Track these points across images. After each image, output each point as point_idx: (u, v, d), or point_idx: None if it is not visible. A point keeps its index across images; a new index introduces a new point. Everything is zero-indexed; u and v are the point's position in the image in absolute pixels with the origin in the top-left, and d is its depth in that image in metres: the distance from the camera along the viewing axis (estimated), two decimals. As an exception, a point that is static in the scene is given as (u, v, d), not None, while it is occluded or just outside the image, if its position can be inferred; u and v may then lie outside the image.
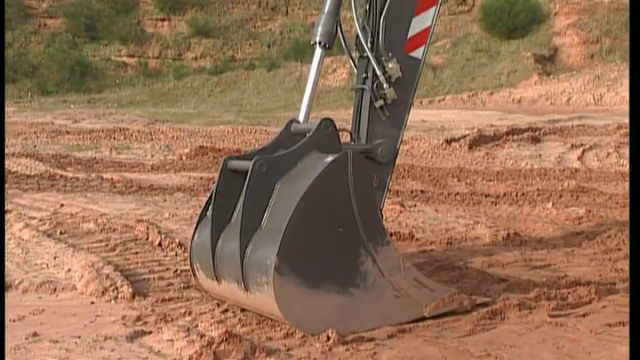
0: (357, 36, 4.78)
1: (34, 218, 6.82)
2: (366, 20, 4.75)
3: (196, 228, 4.46)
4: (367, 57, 4.69)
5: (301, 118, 4.56)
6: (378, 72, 4.63)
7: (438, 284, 4.22)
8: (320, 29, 4.71)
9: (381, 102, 4.67)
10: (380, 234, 3.99)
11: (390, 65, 4.63)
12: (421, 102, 24.46)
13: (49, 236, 6.09)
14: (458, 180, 10.01)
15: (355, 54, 4.90)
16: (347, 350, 3.62)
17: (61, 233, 6.24)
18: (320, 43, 4.70)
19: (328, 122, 4.21)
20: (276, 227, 3.82)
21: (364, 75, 4.76)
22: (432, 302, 4.02)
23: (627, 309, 4.30)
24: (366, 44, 4.66)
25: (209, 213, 4.26)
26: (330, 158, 3.95)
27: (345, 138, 4.68)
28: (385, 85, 4.62)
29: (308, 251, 3.83)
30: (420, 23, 4.77)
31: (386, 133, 4.74)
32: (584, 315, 4.18)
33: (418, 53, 4.79)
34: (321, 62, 4.72)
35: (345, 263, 3.89)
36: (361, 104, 4.77)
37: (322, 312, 3.84)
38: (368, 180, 4.07)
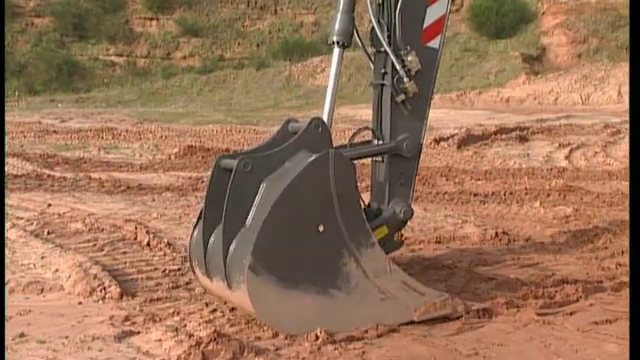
0: (372, 31, 4.69)
1: (21, 218, 6.78)
2: (380, 14, 4.66)
3: (195, 225, 4.45)
4: (385, 52, 4.61)
5: (325, 120, 4.41)
6: (397, 66, 4.54)
7: (429, 288, 4.10)
8: (337, 28, 4.59)
9: (402, 96, 4.58)
10: (364, 235, 3.91)
11: (409, 58, 4.55)
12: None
13: (36, 236, 6.05)
14: (447, 179, 10.04)
15: (370, 50, 4.80)
16: (336, 349, 3.63)
17: (48, 233, 6.20)
18: (338, 43, 4.58)
19: (318, 121, 4.15)
20: (254, 226, 3.83)
21: (382, 70, 4.68)
22: (422, 306, 3.95)
23: (613, 307, 4.35)
24: (384, 39, 4.56)
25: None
26: (312, 157, 3.91)
27: (360, 137, 4.64)
28: (405, 79, 4.54)
29: (285, 251, 3.78)
30: (435, 12, 4.68)
31: (409, 128, 4.67)
32: (571, 313, 4.20)
33: (435, 43, 4.70)
34: (340, 62, 4.60)
35: (326, 264, 3.83)
36: (381, 100, 4.69)
37: (301, 313, 3.79)
38: (351, 180, 3.96)
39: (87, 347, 3.64)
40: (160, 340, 3.65)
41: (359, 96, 28.90)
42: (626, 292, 4.67)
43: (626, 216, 7.22)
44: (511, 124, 16.73)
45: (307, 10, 41.46)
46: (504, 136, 14.58)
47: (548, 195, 8.48)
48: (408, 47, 4.57)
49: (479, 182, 9.78)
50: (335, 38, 4.59)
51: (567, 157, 12.45)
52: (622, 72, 24.22)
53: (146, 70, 38.29)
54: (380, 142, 4.70)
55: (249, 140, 15.46)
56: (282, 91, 31.00)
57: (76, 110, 23.62)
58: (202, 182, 9.54)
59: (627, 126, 15.90)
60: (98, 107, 26.57)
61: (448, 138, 14.17)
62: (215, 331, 3.61)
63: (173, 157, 12.28)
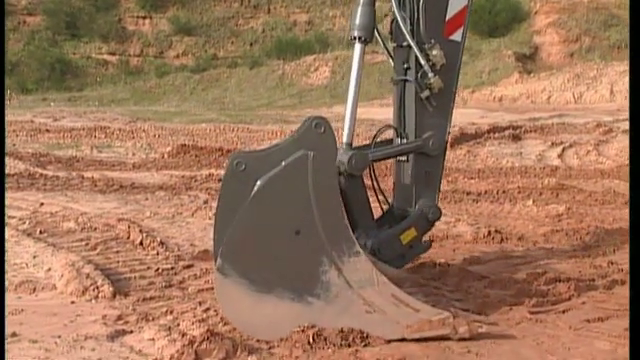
0: (392, 25, 4.57)
1: (13, 217, 6.74)
2: (402, 7, 4.51)
3: None
4: (407, 46, 4.46)
5: (347, 121, 4.33)
6: (422, 61, 4.39)
7: (427, 305, 3.81)
8: (357, 22, 4.39)
9: (427, 92, 4.44)
10: (347, 243, 3.70)
11: (434, 52, 4.40)
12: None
13: (28, 235, 6.03)
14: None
15: (390, 45, 4.67)
16: (329, 348, 3.63)
17: (41, 232, 6.18)
18: (360, 38, 4.39)
19: (320, 121, 3.90)
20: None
21: (405, 66, 4.52)
22: (415, 323, 3.68)
23: (605, 305, 4.37)
24: (407, 32, 4.40)
25: None
26: (289, 159, 3.73)
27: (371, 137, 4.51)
28: (430, 74, 4.40)
29: (256, 254, 3.66)
30: (457, 3, 4.54)
31: (434, 125, 4.53)
32: (564, 311, 4.22)
33: (457, 36, 4.57)
34: (362, 59, 4.40)
35: (303, 270, 3.65)
36: (404, 97, 4.54)
37: (275, 318, 3.67)
38: (332, 185, 3.76)
39: (80, 346, 3.63)
40: (153, 339, 3.65)
41: (352, 95, 28.87)
42: (618, 290, 4.69)
43: (618, 214, 7.26)
44: (504, 123, 16.76)
45: (300, 9, 41.41)
46: (497, 135, 14.61)
47: (541, 194, 8.51)
48: (432, 41, 4.43)
49: (472, 181, 9.79)
50: (356, 33, 4.40)
51: (560, 156, 12.48)
52: (614, 71, 24.30)
53: (139, 69, 38.18)
54: (404, 140, 4.56)
55: (242, 139, 15.44)
56: (275, 90, 30.96)
57: (68, 109, 23.52)
58: (195, 181, 9.52)
59: (619, 125, 15.99)
60: (91, 106, 26.46)
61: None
62: (208, 330, 3.60)
63: (166, 156, 12.25)
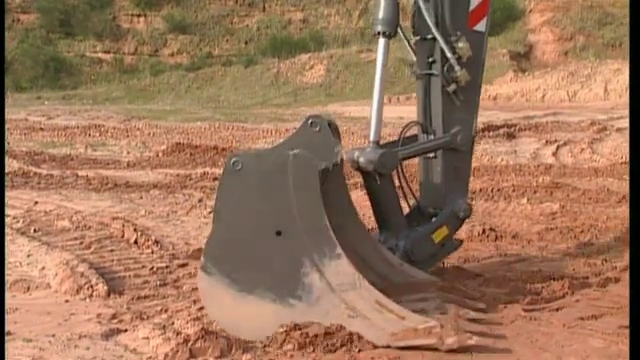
0: (414, 18, 4.42)
1: (8, 216, 6.71)
2: None
3: None
4: (431, 39, 4.32)
5: (373, 119, 4.22)
6: (448, 54, 4.25)
7: (412, 313, 3.59)
8: (381, 17, 4.24)
9: (453, 86, 4.32)
10: (328, 245, 3.59)
11: (460, 44, 4.27)
12: (398, 99, 24.54)
13: (22, 234, 6.01)
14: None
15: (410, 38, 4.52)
16: (325, 347, 3.62)
17: (35, 231, 6.16)
18: (384, 33, 4.24)
19: (316, 120, 3.83)
20: None
21: (430, 59, 4.38)
22: (400, 331, 3.49)
23: (599, 303, 4.38)
24: (433, 24, 4.26)
25: None
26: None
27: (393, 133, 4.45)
28: (457, 67, 4.27)
29: (240, 253, 3.64)
30: None
31: (462, 119, 4.41)
32: (558, 309, 4.23)
33: (481, 26, 4.44)
34: (386, 55, 4.25)
35: (284, 271, 3.59)
36: (429, 91, 4.41)
37: (257, 318, 3.62)
38: (313, 186, 3.63)
39: (74, 345, 3.62)
40: (147, 338, 3.64)
41: (348, 93, 28.91)
42: (612, 288, 4.71)
43: (612, 212, 7.28)
44: (498, 121, 16.79)
45: (295, 7, 41.38)
46: (491, 133, 14.64)
47: (535, 192, 8.52)
48: (458, 33, 4.30)
49: (467, 179, 9.78)
50: (379, 28, 4.24)
51: (554, 154, 12.51)
52: (608, 69, 24.37)
53: (133, 67, 38.09)
54: (430, 136, 4.46)
55: (237, 137, 15.42)
56: (270, 88, 30.93)
57: (63, 107, 23.47)
58: (190, 179, 9.51)
59: (613, 123, 16.04)
60: (85, 104, 26.41)
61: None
62: (203, 328, 3.60)
63: (161, 154, 12.23)
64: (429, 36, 4.37)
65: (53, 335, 3.75)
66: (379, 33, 4.26)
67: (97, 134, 15.46)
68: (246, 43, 40.45)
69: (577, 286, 4.66)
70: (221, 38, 40.84)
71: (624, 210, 7.48)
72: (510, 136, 14.56)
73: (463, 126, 4.43)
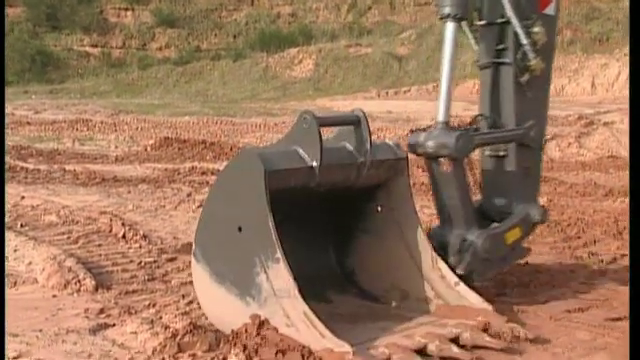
0: (479, 0, 4.03)
1: (-6, 211, 6.69)
2: None
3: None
4: (502, 23, 3.95)
5: (442, 98, 3.86)
6: (524, 40, 3.89)
7: (331, 334, 3.27)
8: None
9: (527, 76, 3.96)
10: (270, 248, 3.43)
11: (536, 29, 3.91)
12: (387, 93, 24.57)
13: (9, 229, 5.97)
14: (423, 170, 10.05)
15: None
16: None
17: (22, 226, 6.13)
18: (455, 16, 3.84)
19: (306, 115, 3.69)
20: None
21: (501, 46, 4.00)
22: (319, 349, 3.25)
23: (586, 296, 4.41)
24: (510, 7, 3.88)
25: None
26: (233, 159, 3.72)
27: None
28: (531, 55, 3.91)
29: (215, 245, 3.66)
30: None
31: (535, 113, 4.05)
32: (544, 302, 4.26)
33: (551, 9, 4.10)
34: (455, 40, 3.85)
35: (244, 268, 3.54)
36: (498, 82, 4.03)
37: (224, 310, 3.60)
38: (258, 186, 3.45)
39: (61, 340, 3.61)
40: (135, 332, 3.63)
41: (336, 87, 28.90)
42: (598, 281, 4.74)
43: (598, 206, 7.33)
44: (487, 115, 16.84)
45: (284, 1, 41.29)
46: (480, 127, 14.67)
47: (523, 185, 8.55)
48: (533, 16, 3.93)
49: (455, 173, 9.81)
50: (448, 10, 3.84)
51: (541, 148, 12.56)
52: (596, 64, 24.48)
53: (121, 61, 37.90)
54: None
55: (226, 132, 15.39)
56: (259, 82, 30.87)
57: (50, 101, 23.31)
58: (178, 174, 9.49)
59: (600, 117, 16.13)
60: (72, 98, 26.24)
61: (425, 129, 14.23)
62: (191, 323, 3.60)
63: (149, 149, 12.20)
64: (499, 20, 4.00)
65: (40, 330, 3.73)
66: (447, 16, 3.85)
67: (85, 128, 15.38)
68: (235, 37, 40.33)
69: (564, 279, 4.70)
70: (209, 32, 40.69)
71: (610, 204, 7.54)
72: (498, 130, 14.60)
73: (536, 120, 4.08)
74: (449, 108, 3.89)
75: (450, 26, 3.86)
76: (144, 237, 5.69)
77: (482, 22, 4.08)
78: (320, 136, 3.67)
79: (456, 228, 3.94)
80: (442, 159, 3.96)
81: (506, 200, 4.13)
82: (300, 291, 3.37)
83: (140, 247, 5.48)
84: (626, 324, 3.87)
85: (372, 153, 3.87)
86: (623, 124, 14.62)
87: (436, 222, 6.46)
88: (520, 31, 3.91)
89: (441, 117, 3.90)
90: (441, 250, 3.95)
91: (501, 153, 4.15)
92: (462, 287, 3.87)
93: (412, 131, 4.22)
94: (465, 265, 3.90)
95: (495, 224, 4.12)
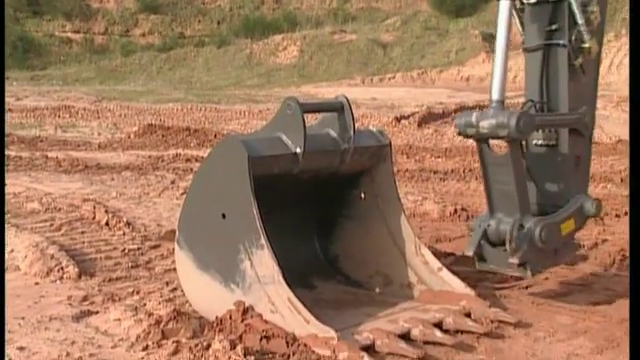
0: None
1: (-25, 198, 6.62)
2: None
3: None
4: (554, 2, 3.74)
5: (495, 88, 3.64)
6: (580, 19, 3.68)
7: (317, 320, 3.28)
8: None
9: (581, 59, 3.73)
10: (255, 234, 3.43)
11: (592, 8, 3.70)
12: (371, 80, 24.55)
13: (-9, 217, 5.93)
14: (407, 157, 10.13)
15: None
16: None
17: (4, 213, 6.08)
18: None
19: (290, 102, 3.67)
20: None
21: (553, 27, 3.77)
22: (304, 335, 3.26)
23: (568, 281, 4.46)
24: None
25: None
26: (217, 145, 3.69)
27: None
28: (587, 36, 3.70)
29: (199, 232, 3.67)
30: None
31: (588, 98, 3.85)
32: (527, 287, 4.30)
33: None
34: (509, 20, 3.62)
35: (228, 255, 3.53)
36: (549, 65, 3.81)
37: (208, 297, 3.61)
38: (242, 172, 3.43)
39: (44, 327, 3.60)
40: (119, 319, 3.63)
41: (321, 74, 28.84)
42: (580, 266, 4.79)
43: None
44: (471, 102, 16.87)
45: (268, -13, 41.03)
46: (464, 114, 14.73)
47: (506, 172, 8.61)
48: None
49: (439, 160, 9.88)
50: None
51: (525, 135, 12.62)
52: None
53: (104, 47, 37.57)
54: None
55: (210, 119, 15.32)
56: (243, 69, 30.73)
57: (31, 88, 23.06)
58: (162, 161, 9.44)
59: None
60: (54, 85, 25.98)
61: (409, 116, 14.28)
62: (175, 310, 3.59)
63: (132, 136, 12.11)
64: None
65: (23, 318, 3.71)
66: None
67: (67, 115, 15.24)
68: (218, 23, 40.09)
69: (546, 264, 4.73)
70: (193, 18, 40.40)
71: (592, 189, 7.59)
72: (482, 117, 14.66)
73: (589, 106, 3.87)
74: (504, 86, 3.65)
75: (504, 4, 3.63)
76: (127, 224, 5.67)
77: (533, 0, 3.86)
78: (304, 123, 3.64)
79: (511, 215, 3.67)
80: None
81: (553, 192, 3.92)
82: (284, 277, 3.37)
83: (124, 234, 5.46)
84: (606, 308, 3.94)
85: (356, 140, 3.88)
86: (606, 110, 14.72)
87: (420, 209, 6.56)
88: (577, 11, 3.71)
89: (496, 95, 3.65)
90: (492, 240, 3.75)
91: (552, 142, 3.93)
92: (445, 273, 3.93)
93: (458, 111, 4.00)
94: (521, 254, 3.64)
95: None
